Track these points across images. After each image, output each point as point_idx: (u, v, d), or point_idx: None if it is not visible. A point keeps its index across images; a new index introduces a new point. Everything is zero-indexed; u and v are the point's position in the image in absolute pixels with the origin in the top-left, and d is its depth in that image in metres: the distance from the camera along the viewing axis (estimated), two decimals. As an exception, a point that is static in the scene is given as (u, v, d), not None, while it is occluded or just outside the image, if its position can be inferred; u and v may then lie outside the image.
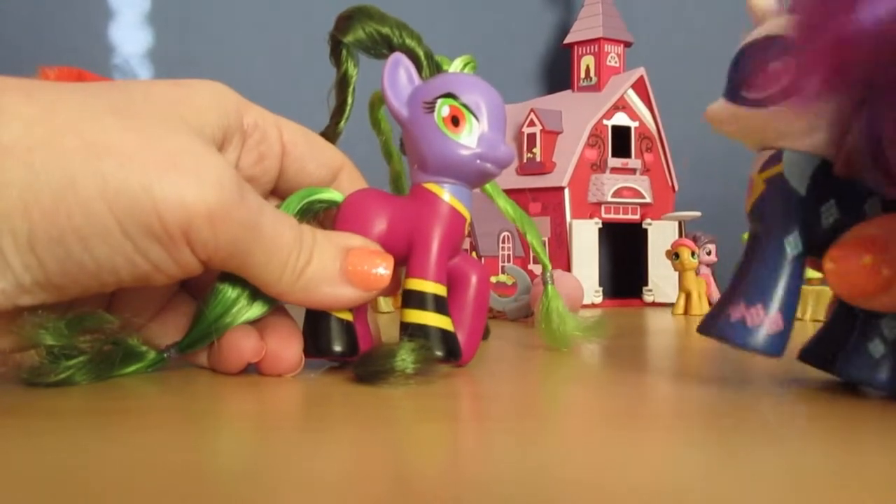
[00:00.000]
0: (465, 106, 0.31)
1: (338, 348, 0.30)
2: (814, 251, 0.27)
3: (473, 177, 0.32)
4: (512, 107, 0.95)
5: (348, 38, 0.34)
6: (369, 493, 0.16)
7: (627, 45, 0.94)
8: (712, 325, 0.28)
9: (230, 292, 0.29)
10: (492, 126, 0.31)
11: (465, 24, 1.04)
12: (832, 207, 0.26)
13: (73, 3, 0.85)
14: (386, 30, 0.34)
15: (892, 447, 0.21)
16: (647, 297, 0.89)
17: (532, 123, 0.88)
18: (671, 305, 0.78)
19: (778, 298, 0.26)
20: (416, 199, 0.31)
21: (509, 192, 0.89)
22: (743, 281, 0.28)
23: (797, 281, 0.27)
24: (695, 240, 0.81)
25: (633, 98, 0.90)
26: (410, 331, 0.30)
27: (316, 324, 0.30)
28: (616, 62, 0.93)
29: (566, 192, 0.85)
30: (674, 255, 0.74)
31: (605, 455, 0.19)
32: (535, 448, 0.20)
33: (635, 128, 0.89)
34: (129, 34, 0.87)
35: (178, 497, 0.15)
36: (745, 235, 0.25)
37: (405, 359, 0.28)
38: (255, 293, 0.29)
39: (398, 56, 0.32)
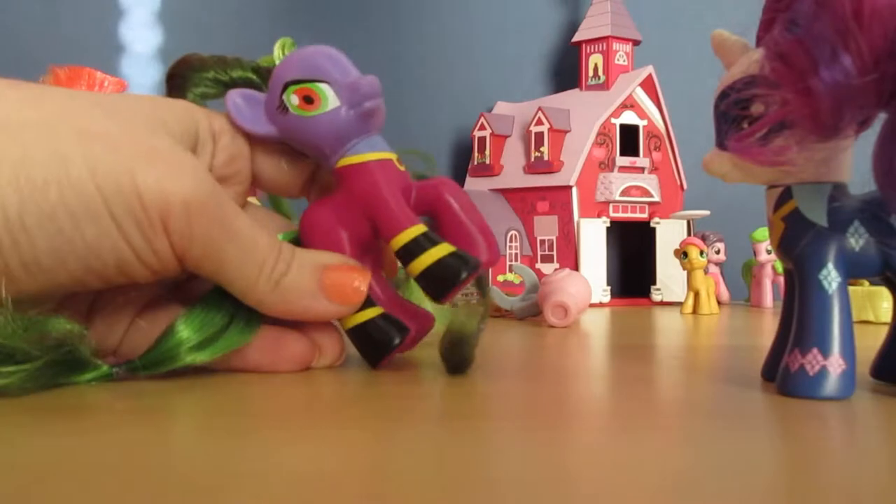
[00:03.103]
0: (303, 81, 0.31)
1: (397, 340, 0.31)
2: (854, 275, 0.26)
3: (364, 124, 0.31)
4: (520, 105, 0.95)
5: (191, 98, 0.34)
6: (375, 495, 0.16)
7: (636, 43, 0.94)
8: (777, 378, 0.27)
9: (183, 333, 0.28)
10: (339, 73, 0.31)
11: (472, 22, 1.03)
12: (859, 229, 0.26)
13: (83, 2, 0.85)
14: (210, 73, 0.34)
15: (901, 447, 0.21)
16: (656, 296, 0.88)
17: (540, 122, 0.88)
18: (680, 304, 0.78)
19: (833, 339, 0.25)
20: (347, 180, 0.31)
21: (517, 191, 0.90)
22: (791, 326, 0.27)
23: (846, 314, 0.26)
24: (703, 239, 0.81)
25: (642, 96, 0.90)
26: (425, 276, 0.30)
27: (363, 335, 0.31)
28: (624, 60, 0.93)
29: (574, 190, 0.85)
30: (682, 253, 0.74)
31: (613, 454, 0.19)
32: (543, 447, 0.20)
33: (643, 126, 0.89)
34: (140, 33, 0.88)
35: (142, 496, 0.15)
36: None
37: (473, 327, 0.30)
38: (206, 341, 0.29)
39: (227, 97, 0.32)
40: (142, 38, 0.88)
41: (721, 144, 0.27)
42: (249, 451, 0.19)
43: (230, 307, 0.30)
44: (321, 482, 0.16)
